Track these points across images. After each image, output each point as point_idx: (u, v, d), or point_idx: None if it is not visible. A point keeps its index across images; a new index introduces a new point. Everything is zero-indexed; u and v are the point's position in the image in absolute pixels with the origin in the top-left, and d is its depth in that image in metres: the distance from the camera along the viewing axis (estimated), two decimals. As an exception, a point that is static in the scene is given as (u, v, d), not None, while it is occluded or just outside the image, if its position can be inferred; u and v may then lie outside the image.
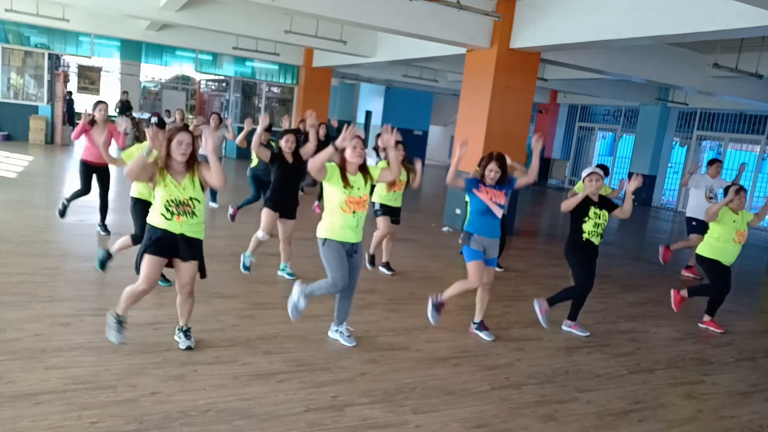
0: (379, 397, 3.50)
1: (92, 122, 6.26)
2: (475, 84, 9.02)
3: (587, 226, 4.70)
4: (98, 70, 22.05)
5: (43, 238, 6.29)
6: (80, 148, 7.30)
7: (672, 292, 5.68)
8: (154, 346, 3.83)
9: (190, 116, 20.97)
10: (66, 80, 16.95)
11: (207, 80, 21.62)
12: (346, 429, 3.12)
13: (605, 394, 3.93)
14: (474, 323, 4.73)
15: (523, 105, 9.00)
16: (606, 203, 4.76)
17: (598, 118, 19.57)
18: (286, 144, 5.42)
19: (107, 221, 6.67)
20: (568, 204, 4.68)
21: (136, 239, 4.79)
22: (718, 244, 5.38)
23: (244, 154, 14.22)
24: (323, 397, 3.43)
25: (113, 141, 6.09)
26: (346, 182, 3.88)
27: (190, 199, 3.57)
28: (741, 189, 5.37)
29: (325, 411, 3.27)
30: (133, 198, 4.86)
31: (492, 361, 4.28)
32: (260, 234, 5.54)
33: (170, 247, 3.61)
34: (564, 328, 5.06)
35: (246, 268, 5.59)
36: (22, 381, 3.22)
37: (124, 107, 18.00)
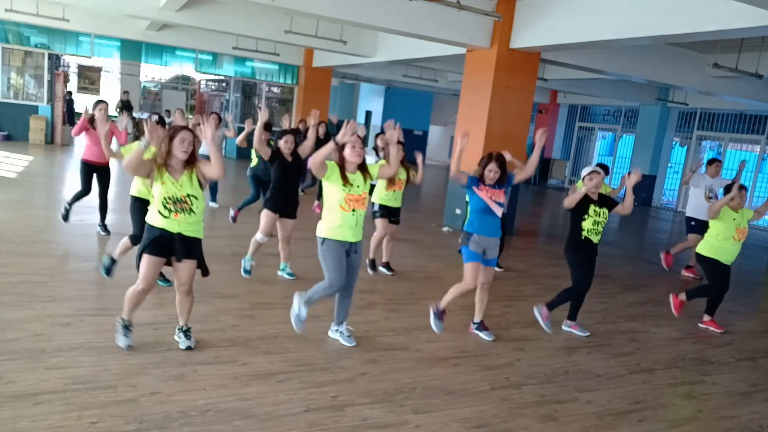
0: (379, 397, 3.50)
1: (92, 121, 6.26)
2: (475, 84, 9.02)
3: (586, 224, 4.71)
4: (98, 70, 22.07)
5: (43, 238, 6.30)
6: (80, 147, 7.30)
7: (671, 297, 5.65)
8: (154, 346, 3.83)
9: (190, 116, 20.96)
10: (66, 80, 16.96)
11: (207, 80, 21.62)
12: (346, 429, 3.12)
13: (605, 394, 3.93)
14: (474, 323, 4.74)
15: (523, 105, 9.00)
16: (606, 201, 4.76)
17: (598, 118, 19.57)
18: (285, 145, 5.42)
19: (107, 221, 6.67)
20: (569, 200, 4.69)
21: (134, 239, 4.79)
22: (718, 242, 5.37)
23: (244, 154, 14.22)
24: (323, 397, 3.43)
25: (114, 140, 6.09)
26: (345, 180, 3.88)
27: (188, 196, 3.57)
28: (742, 187, 5.37)
29: (325, 411, 3.27)
30: (132, 197, 4.86)
31: (492, 361, 4.28)
32: (259, 236, 5.54)
33: (168, 247, 3.61)
34: (564, 328, 5.06)
35: (247, 272, 5.57)
36: (22, 381, 3.22)
37: (125, 107, 18.00)
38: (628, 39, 6.94)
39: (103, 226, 6.60)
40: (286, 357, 3.91)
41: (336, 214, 3.92)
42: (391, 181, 5.99)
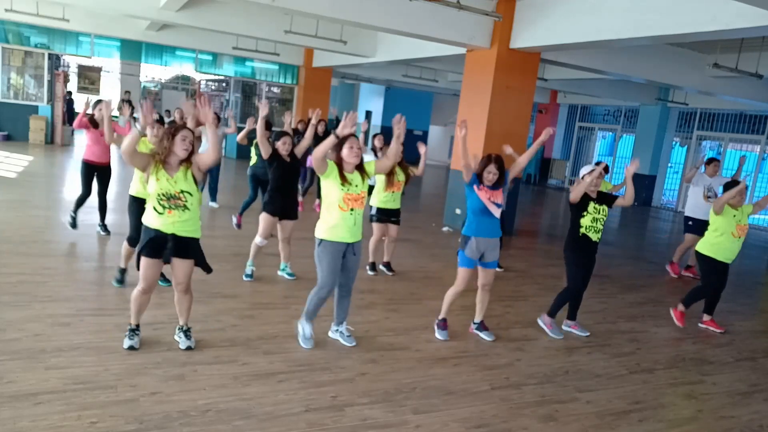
0: (379, 397, 3.50)
1: (93, 120, 6.26)
2: (475, 84, 9.02)
3: (585, 221, 4.72)
4: (98, 70, 22.04)
5: (43, 238, 6.30)
6: (81, 147, 7.30)
7: (671, 311, 5.61)
8: (154, 346, 3.83)
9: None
10: (66, 80, 16.95)
11: (207, 80, 21.63)
12: (346, 429, 3.12)
13: (605, 394, 3.93)
14: (474, 323, 4.74)
15: (523, 105, 9.00)
16: (605, 198, 4.77)
17: (598, 118, 19.58)
18: (283, 146, 5.40)
19: (107, 221, 6.67)
20: (575, 194, 4.69)
21: (131, 241, 4.77)
22: (717, 239, 5.34)
23: (244, 154, 14.23)
24: (323, 397, 3.43)
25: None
26: (343, 179, 3.88)
27: (182, 192, 3.57)
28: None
29: (325, 411, 3.27)
30: (131, 196, 4.84)
31: (492, 361, 4.28)
32: (258, 240, 5.53)
33: (163, 248, 3.62)
34: (564, 328, 5.06)
35: (248, 276, 5.57)
36: (22, 381, 3.22)
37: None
38: (628, 39, 6.94)
39: (103, 226, 6.60)
40: (286, 357, 3.91)
41: (334, 214, 3.91)
42: (389, 183, 5.99)
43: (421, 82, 17.28)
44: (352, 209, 3.91)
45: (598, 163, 5.04)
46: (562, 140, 20.60)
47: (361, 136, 6.94)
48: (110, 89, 23.41)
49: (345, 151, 3.90)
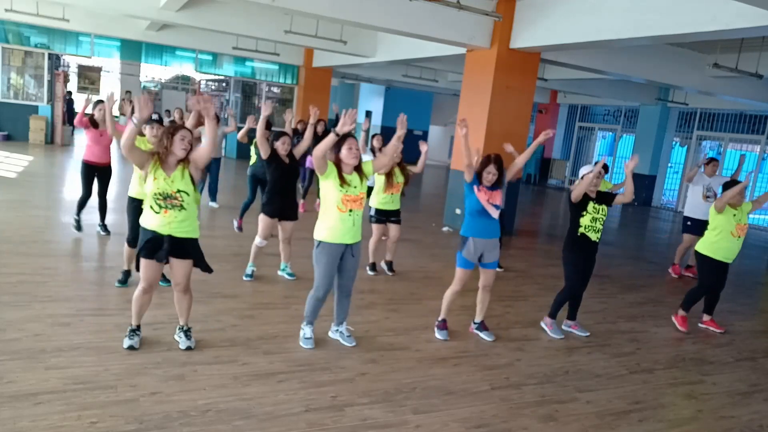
0: (379, 397, 3.50)
1: (93, 122, 6.26)
2: (475, 84, 9.02)
3: (584, 221, 4.72)
4: (98, 70, 22.05)
5: (43, 238, 6.30)
6: (81, 148, 7.29)
7: (673, 318, 5.59)
8: (154, 346, 3.83)
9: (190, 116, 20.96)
10: (66, 80, 16.95)
11: (207, 80, 21.62)
12: (346, 429, 3.12)
13: (605, 394, 3.93)
14: (474, 323, 4.74)
15: (523, 105, 9.00)
16: (604, 197, 4.76)
17: (598, 118, 19.58)
18: (282, 146, 5.40)
19: (107, 221, 6.67)
20: (576, 193, 4.69)
21: (132, 243, 4.77)
22: (716, 238, 5.33)
23: (243, 154, 14.22)
24: (323, 397, 3.43)
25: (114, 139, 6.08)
26: (342, 180, 3.88)
27: (178, 191, 3.56)
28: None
29: (325, 411, 3.27)
30: (130, 197, 4.83)
31: (492, 361, 4.28)
32: (258, 241, 5.53)
33: (160, 249, 3.61)
34: (564, 327, 5.06)
35: (249, 276, 5.57)
36: (22, 381, 3.22)
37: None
38: (628, 39, 6.94)
39: (103, 226, 6.60)
40: (286, 357, 3.91)
41: (333, 215, 3.91)
42: (389, 184, 5.99)
43: (421, 82, 17.28)
44: (350, 210, 3.91)
45: (596, 164, 5.03)
46: (562, 140, 20.60)
47: (362, 136, 6.97)
48: (110, 89, 23.39)
49: (344, 152, 3.89)
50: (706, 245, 5.43)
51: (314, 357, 3.97)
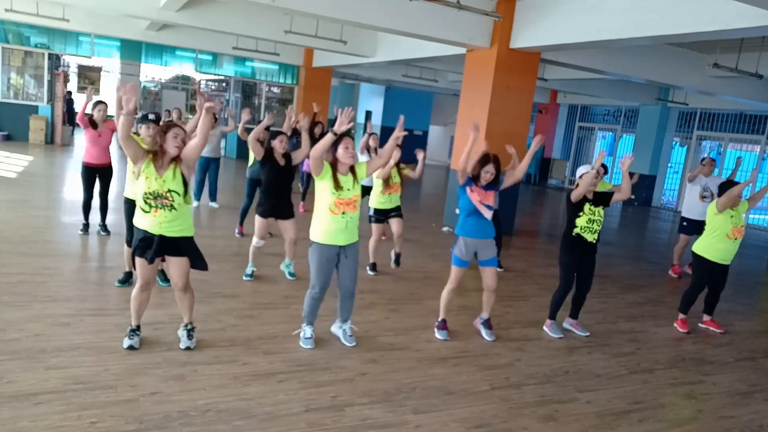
0: (379, 397, 3.50)
1: (92, 122, 6.25)
2: (475, 84, 9.02)
3: (580, 221, 4.72)
4: (98, 70, 22.07)
5: (43, 238, 6.29)
6: (80, 148, 7.29)
7: (675, 324, 5.58)
8: (154, 346, 3.83)
9: (190, 116, 20.98)
10: (66, 80, 16.96)
11: (207, 80, 21.62)
12: (346, 429, 3.12)
13: (605, 394, 3.93)
14: (480, 318, 4.73)
15: (523, 105, 9.00)
16: (601, 198, 4.75)
17: (598, 118, 19.58)
18: (279, 144, 5.40)
19: (107, 221, 6.66)
20: (575, 194, 4.68)
21: (130, 242, 4.77)
22: (712, 239, 5.32)
23: (243, 154, 14.23)
24: (323, 397, 3.43)
25: (115, 136, 6.07)
26: (336, 183, 3.87)
27: (169, 191, 3.55)
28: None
29: (325, 411, 3.27)
30: (126, 198, 4.83)
31: (492, 361, 4.28)
32: (255, 241, 5.53)
33: (151, 248, 3.61)
34: (565, 325, 5.07)
35: (249, 276, 5.57)
36: (22, 381, 3.22)
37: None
38: (628, 39, 6.94)
39: (103, 226, 6.59)
40: (286, 357, 3.91)
41: (325, 217, 3.91)
42: (386, 185, 6.00)
43: (421, 82, 17.28)
44: (343, 213, 3.90)
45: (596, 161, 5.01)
46: (562, 140, 20.60)
47: (365, 138, 6.99)
48: (110, 89, 23.39)
49: (340, 151, 3.89)
50: (702, 246, 5.43)
51: (314, 357, 3.97)
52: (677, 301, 5.64)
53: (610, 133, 19.71)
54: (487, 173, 4.36)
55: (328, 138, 3.72)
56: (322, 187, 3.90)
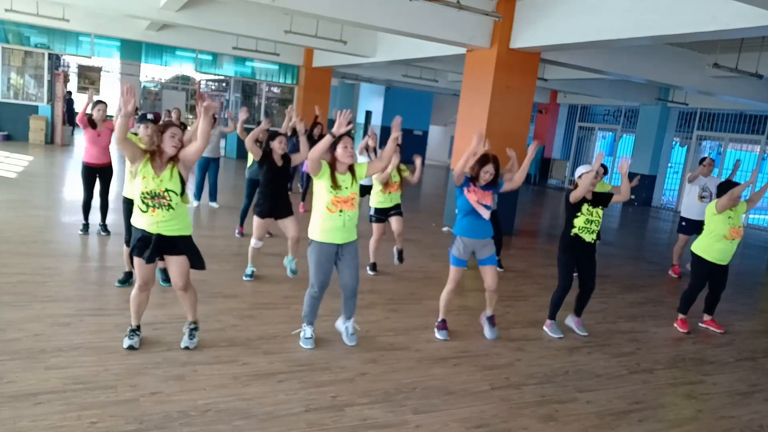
0: (379, 397, 3.50)
1: (91, 122, 6.25)
2: (475, 84, 9.02)
3: (578, 221, 4.72)
4: (98, 70, 22.08)
5: (43, 238, 6.29)
6: (80, 148, 7.28)
7: (675, 324, 5.58)
8: (154, 346, 3.83)
9: (190, 116, 21.00)
10: (66, 80, 16.96)
11: (207, 80, 21.61)
12: (346, 429, 3.12)
13: (605, 394, 3.93)
14: (486, 314, 4.73)
15: (523, 105, 9.00)
16: (600, 199, 4.75)
17: (598, 118, 19.58)
18: (279, 145, 5.41)
19: (107, 221, 6.65)
20: (574, 195, 4.68)
21: (129, 242, 4.77)
22: (709, 240, 5.32)
23: (243, 154, 14.23)
24: (323, 397, 3.43)
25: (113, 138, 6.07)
26: (334, 182, 3.88)
27: (167, 191, 3.55)
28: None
29: (325, 411, 3.27)
30: (125, 198, 4.83)
31: (492, 361, 4.28)
32: (253, 242, 5.53)
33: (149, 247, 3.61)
34: (567, 321, 5.06)
35: (249, 276, 5.57)
36: (22, 381, 3.22)
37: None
38: (628, 39, 6.94)
39: (104, 226, 6.59)
40: (286, 357, 3.91)
41: (323, 216, 3.92)
42: (386, 184, 6.01)
43: (421, 82, 17.28)
44: (341, 211, 3.91)
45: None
46: (562, 140, 20.60)
47: (365, 140, 6.98)
48: (110, 89, 23.40)
49: (339, 151, 3.91)
50: (700, 246, 5.44)
51: (314, 357, 3.97)
52: (677, 301, 5.64)
53: (610, 133, 19.72)
54: (487, 173, 4.36)
55: (326, 140, 3.73)
56: (320, 185, 3.92)
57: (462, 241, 4.43)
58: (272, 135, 5.47)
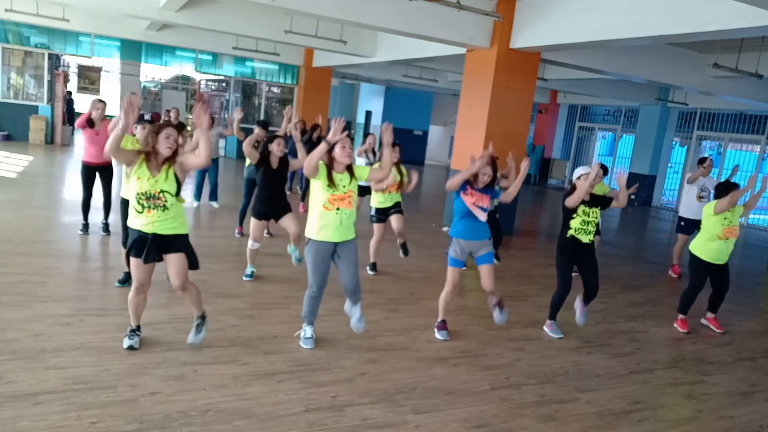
0: (379, 397, 3.51)
1: (90, 121, 6.25)
2: (475, 84, 9.02)
3: (574, 223, 4.72)
4: (98, 70, 22.07)
5: (43, 238, 6.29)
6: (80, 148, 7.29)
7: (675, 324, 5.58)
8: (154, 346, 3.83)
9: (189, 116, 21.00)
10: (66, 80, 16.95)
11: (207, 80, 21.61)
12: (346, 429, 3.12)
13: (605, 394, 3.93)
14: (492, 301, 4.67)
15: (523, 105, 9.00)
16: (598, 201, 4.74)
17: (598, 118, 19.58)
18: (277, 148, 5.42)
19: (108, 220, 6.65)
20: (571, 201, 4.67)
21: (126, 243, 4.76)
22: (704, 240, 5.31)
23: (243, 154, 14.21)
24: (323, 397, 3.43)
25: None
26: (331, 182, 3.88)
27: (162, 192, 3.55)
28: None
29: (325, 411, 3.27)
30: (122, 198, 4.82)
31: (492, 361, 4.28)
32: (250, 243, 5.53)
33: (146, 248, 3.61)
34: (576, 303, 4.99)
35: (249, 276, 5.57)
36: (22, 381, 3.22)
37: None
38: (628, 39, 6.94)
39: (105, 225, 6.59)
40: (286, 357, 3.91)
41: (320, 213, 3.92)
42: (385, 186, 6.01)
43: (421, 82, 17.27)
44: (338, 209, 3.91)
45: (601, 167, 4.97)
46: (562, 140, 20.60)
47: (364, 146, 6.98)
48: (110, 89, 23.41)
49: (337, 151, 3.91)
50: (696, 245, 5.45)
51: (314, 357, 3.97)
52: (677, 301, 5.64)
53: (610, 133, 19.72)
54: (485, 175, 4.36)
55: (322, 148, 3.73)
56: (316, 185, 3.92)
57: (459, 242, 4.43)
58: (270, 138, 5.47)
